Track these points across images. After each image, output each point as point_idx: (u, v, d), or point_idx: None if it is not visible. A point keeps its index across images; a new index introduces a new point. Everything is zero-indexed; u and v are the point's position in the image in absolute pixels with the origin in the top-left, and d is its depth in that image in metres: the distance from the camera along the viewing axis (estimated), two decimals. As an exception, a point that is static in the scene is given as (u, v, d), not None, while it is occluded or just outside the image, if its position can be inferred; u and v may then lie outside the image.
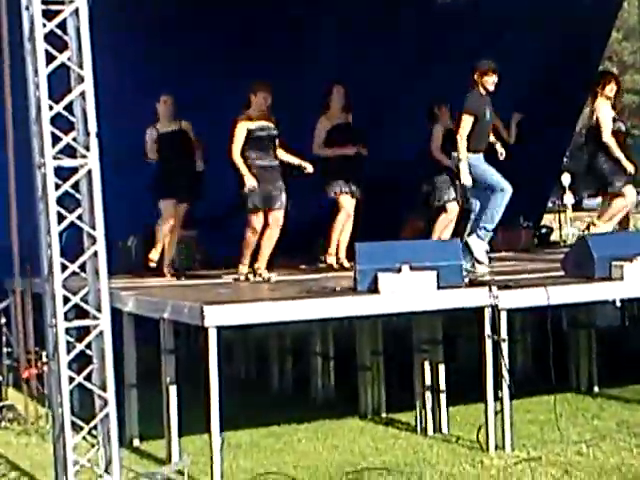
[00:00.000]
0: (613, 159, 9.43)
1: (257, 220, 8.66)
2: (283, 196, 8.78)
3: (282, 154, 9.01)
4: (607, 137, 9.42)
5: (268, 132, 8.82)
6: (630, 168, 9.38)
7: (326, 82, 9.87)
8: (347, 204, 9.63)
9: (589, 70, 14.25)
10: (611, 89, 9.60)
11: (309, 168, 9.09)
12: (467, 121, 8.69)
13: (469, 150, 8.67)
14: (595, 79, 9.97)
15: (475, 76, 8.79)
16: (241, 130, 8.73)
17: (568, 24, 13.16)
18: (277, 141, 8.94)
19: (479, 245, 8.66)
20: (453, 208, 9.95)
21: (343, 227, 9.68)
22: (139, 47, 10.67)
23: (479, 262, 8.59)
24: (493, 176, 8.72)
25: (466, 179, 8.64)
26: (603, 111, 9.47)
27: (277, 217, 8.74)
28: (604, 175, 9.52)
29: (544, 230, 14.11)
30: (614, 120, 9.55)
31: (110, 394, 5.60)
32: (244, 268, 8.80)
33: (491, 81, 8.78)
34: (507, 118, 9.76)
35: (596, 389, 8.57)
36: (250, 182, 8.59)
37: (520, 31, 12.84)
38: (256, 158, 8.73)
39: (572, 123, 15.33)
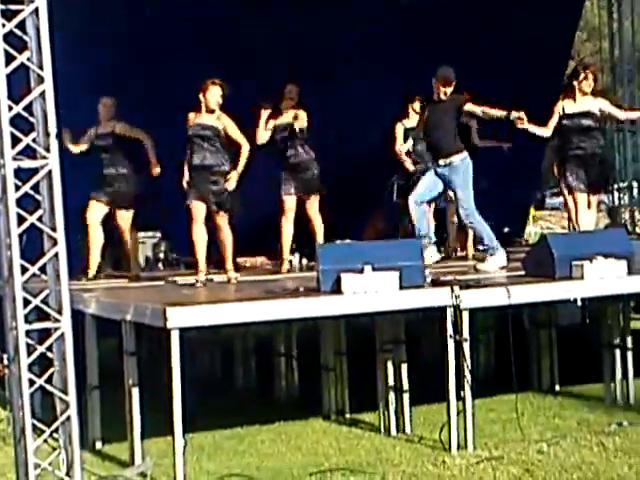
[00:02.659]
0: None
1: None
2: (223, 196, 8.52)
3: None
4: None
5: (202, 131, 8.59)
6: None
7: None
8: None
9: (557, 70, 14.39)
10: (589, 84, 9.42)
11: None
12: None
13: None
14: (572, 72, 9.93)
15: (435, 82, 8.83)
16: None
17: (532, 24, 13.24)
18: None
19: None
20: None
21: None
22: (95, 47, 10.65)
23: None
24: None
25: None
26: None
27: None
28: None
29: (506, 229, 14.17)
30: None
31: (71, 397, 5.56)
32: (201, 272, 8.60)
33: (444, 92, 8.83)
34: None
35: (557, 388, 8.65)
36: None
37: (482, 36, 12.90)
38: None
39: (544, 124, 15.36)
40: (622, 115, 10.28)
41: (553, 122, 9.34)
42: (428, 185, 8.90)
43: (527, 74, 13.39)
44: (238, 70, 10.76)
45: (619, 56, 15.09)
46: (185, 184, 8.58)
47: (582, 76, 9.38)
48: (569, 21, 14.91)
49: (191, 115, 8.65)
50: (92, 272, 9.21)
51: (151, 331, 6.68)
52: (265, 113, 9.52)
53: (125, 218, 9.46)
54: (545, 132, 9.34)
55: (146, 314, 6.45)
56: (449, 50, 11.37)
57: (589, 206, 9.63)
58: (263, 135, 9.57)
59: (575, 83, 9.40)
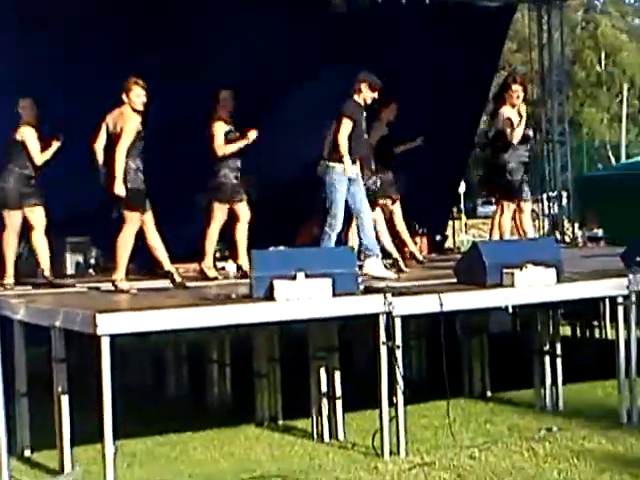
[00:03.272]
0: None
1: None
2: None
3: None
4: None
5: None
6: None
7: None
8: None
9: (484, 81, 14.58)
10: (517, 96, 9.43)
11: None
12: (347, 125, 8.67)
13: (335, 160, 8.66)
14: (502, 84, 9.98)
15: (362, 86, 8.82)
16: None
17: (462, 35, 13.37)
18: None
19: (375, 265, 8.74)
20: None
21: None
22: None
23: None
24: (336, 201, 8.70)
25: (350, 170, 8.63)
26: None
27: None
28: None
29: (438, 237, 14.30)
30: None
31: (-1, 404, 5.48)
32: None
33: (371, 97, 8.85)
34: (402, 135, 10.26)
35: (489, 394, 8.74)
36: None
37: (413, 44, 13.00)
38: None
39: (470, 133, 15.46)
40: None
41: (520, 128, 9.39)
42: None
43: (454, 84, 13.52)
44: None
45: (549, 67, 15.31)
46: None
47: (511, 88, 9.48)
48: (498, 31, 15.09)
49: (138, 118, 8.27)
50: (10, 279, 9.01)
51: (81, 337, 6.60)
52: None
53: (32, 218, 9.17)
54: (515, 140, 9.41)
55: (76, 320, 6.37)
56: (385, 61, 11.46)
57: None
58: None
59: (505, 95, 9.51)
